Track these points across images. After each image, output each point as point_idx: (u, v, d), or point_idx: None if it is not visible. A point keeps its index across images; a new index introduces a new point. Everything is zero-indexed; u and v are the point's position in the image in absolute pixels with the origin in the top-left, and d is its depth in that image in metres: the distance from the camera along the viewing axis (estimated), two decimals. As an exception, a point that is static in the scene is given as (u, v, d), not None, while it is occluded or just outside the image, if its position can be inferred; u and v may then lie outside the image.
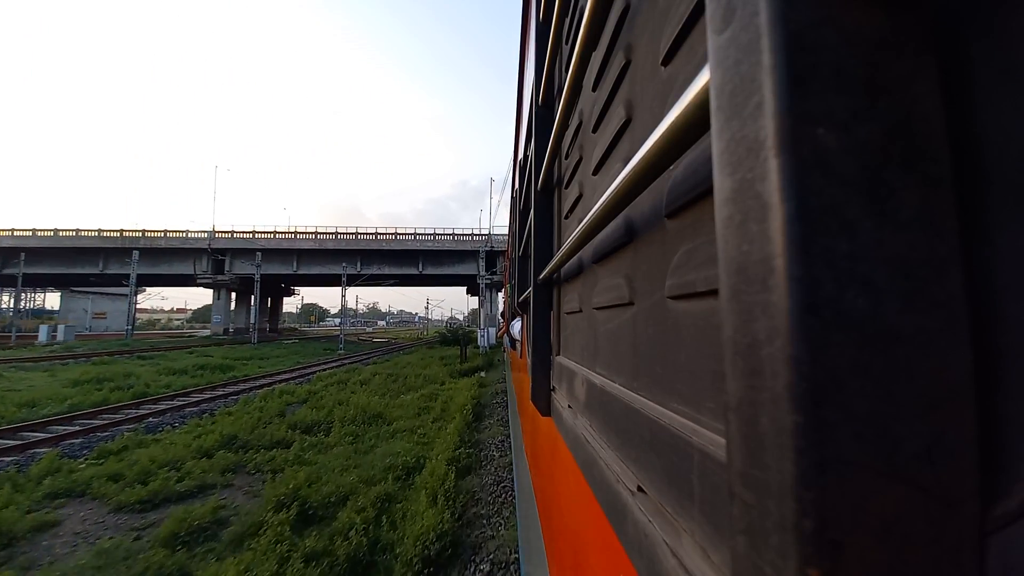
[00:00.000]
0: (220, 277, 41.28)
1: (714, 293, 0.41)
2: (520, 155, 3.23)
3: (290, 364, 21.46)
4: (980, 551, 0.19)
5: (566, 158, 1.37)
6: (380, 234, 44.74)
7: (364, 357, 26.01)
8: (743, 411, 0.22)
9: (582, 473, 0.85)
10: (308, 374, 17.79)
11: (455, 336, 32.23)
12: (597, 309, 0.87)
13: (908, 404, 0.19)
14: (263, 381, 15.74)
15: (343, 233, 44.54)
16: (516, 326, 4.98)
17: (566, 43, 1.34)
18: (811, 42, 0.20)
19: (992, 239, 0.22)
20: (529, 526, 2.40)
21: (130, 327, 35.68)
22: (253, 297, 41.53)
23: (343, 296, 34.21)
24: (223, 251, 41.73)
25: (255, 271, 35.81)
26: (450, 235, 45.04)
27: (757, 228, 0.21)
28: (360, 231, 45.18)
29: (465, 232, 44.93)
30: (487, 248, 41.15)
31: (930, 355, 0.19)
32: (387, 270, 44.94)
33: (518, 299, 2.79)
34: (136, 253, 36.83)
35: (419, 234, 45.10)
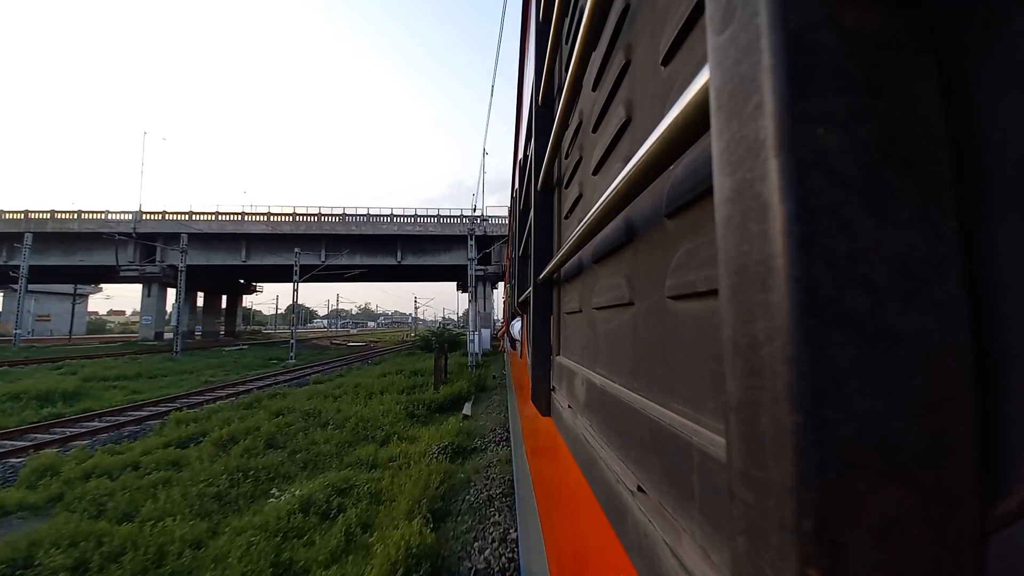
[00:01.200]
0: (149, 269, 32.38)
1: (714, 293, 0.41)
2: (520, 155, 3.23)
3: (190, 386, 14.82)
4: (980, 551, 0.19)
5: (566, 158, 1.37)
6: (348, 215, 35.18)
7: (312, 371, 19.54)
8: (743, 411, 0.22)
9: (582, 473, 0.85)
10: (182, 407, 11.03)
11: (438, 341, 25.73)
12: (597, 309, 0.87)
13: (908, 404, 0.19)
14: (72, 431, 9.26)
15: (303, 214, 34.98)
16: (516, 326, 4.98)
17: (566, 43, 1.34)
18: (811, 42, 0.20)
19: (992, 239, 0.22)
20: (529, 526, 2.40)
21: (18, 331, 28.80)
22: (186, 294, 31.63)
23: (295, 290, 26.09)
24: (152, 236, 32.89)
25: (180, 259, 27.02)
26: (435, 217, 35.95)
27: (757, 228, 0.21)
28: (323, 211, 35.61)
29: (453, 214, 36.07)
30: (479, 232, 30.54)
31: (930, 355, 0.19)
32: (359, 259, 35.52)
33: (518, 299, 2.79)
34: (29, 236, 28.04)
35: (397, 216, 35.53)
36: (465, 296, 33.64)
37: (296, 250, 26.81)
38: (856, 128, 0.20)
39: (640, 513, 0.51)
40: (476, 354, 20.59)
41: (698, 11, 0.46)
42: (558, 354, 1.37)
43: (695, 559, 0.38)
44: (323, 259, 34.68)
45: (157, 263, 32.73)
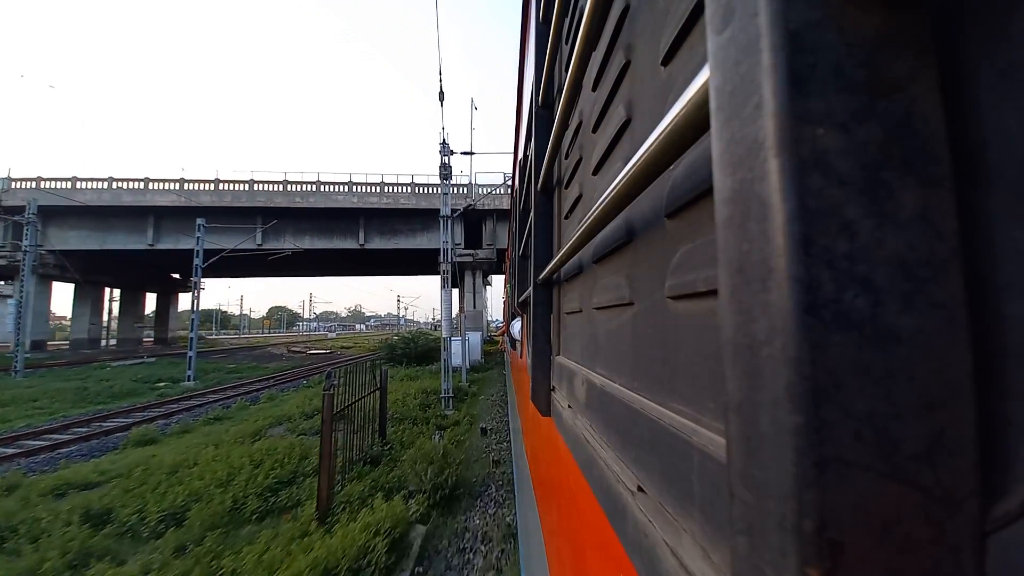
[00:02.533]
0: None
1: (714, 293, 0.41)
2: (520, 155, 3.23)
3: None
4: (980, 551, 0.19)
5: (566, 158, 1.37)
6: (292, 182, 26.09)
7: (188, 406, 12.53)
8: (743, 411, 0.22)
9: (582, 473, 0.85)
10: None
11: (405, 351, 19.51)
12: (597, 309, 0.87)
13: (908, 404, 0.19)
14: None
15: (229, 180, 25.89)
16: (516, 326, 4.99)
17: (566, 43, 1.34)
18: (811, 42, 0.20)
19: (992, 239, 0.22)
20: (529, 526, 2.40)
21: None
22: (85, 289, 25.84)
23: (195, 284, 17.21)
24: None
25: (26, 236, 19.00)
26: (408, 185, 26.61)
27: (757, 228, 0.21)
28: (256, 177, 26.69)
29: (433, 182, 26.02)
30: (465, 205, 22.02)
31: (930, 355, 0.19)
32: (308, 242, 26.40)
33: (518, 299, 2.79)
34: None
35: (358, 183, 26.26)
36: (469, 296, 24.93)
37: (199, 222, 17.47)
38: (856, 128, 0.20)
39: (640, 513, 0.51)
40: (458, 367, 13.10)
41: (698, 11, 0.46)
42: (558, 354, 1.37)
43: (695, 559, 0.38)
44: (259, 240, 25.17)
45: (32, 247, 22.13)
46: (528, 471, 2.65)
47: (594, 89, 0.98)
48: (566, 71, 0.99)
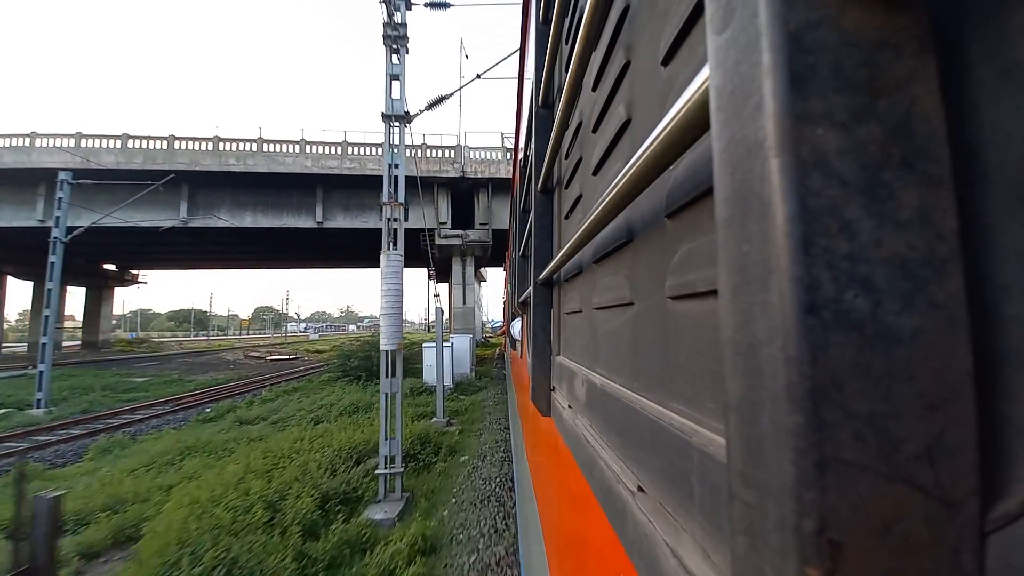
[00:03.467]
0: None
1: (714, 293, 0.41)
2: (520, 155, 3.23)
3: None
4: (980, 551, 0.19)
5: (566, 158, 1.37)
6: (225, 139, 19.82)
7: None
8: (743, 411, 0.22)
9: (582, 473, 0.85)
10: None
11: (364, 362, 13.79)
12: (597, 309, 0.87)
13: (908, 404, 0.19)
14: None
15: (142, 136, 19.57)
16: (516, 326, 4.99)
17: (566, 43, 1.34)
18: (811, 42, 0.20)
19: (992, 239, 0.22)
20: (529, 526, 2.40)
21: None
22: None
23: (49, 274, 12.46)
24: None
25: None
26: (378, 145, 19.58)
27: (757, 228, 0.21)
28: (176, 133, 20.70)
29: (416, 142, 19.02)
30: (454, 174, 18.30)
31: (930, 355, 0.19)
32: (249, 219, 20.32)
33: (518, 299, 2.79)
34: None
35: (313, 141, 20.22)
36: (458, 290, 19.14)
37: (62, 176, 12.88)
38: (856, 128, 0.20)
39: (640, 513, 0.51)
40: (437, 390, 8.97)
41: (698, 11, 0.46)
42: (558, 354, 1.37)
43: (695, 559, 0.38)
44: (183, 216, 19.41)
45: None
46: (528, 471, 2.66)
47: (594, 89, 0.98)
48: (566, 71, 0.99)
